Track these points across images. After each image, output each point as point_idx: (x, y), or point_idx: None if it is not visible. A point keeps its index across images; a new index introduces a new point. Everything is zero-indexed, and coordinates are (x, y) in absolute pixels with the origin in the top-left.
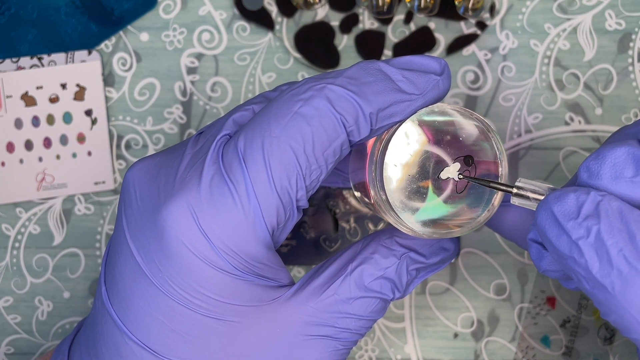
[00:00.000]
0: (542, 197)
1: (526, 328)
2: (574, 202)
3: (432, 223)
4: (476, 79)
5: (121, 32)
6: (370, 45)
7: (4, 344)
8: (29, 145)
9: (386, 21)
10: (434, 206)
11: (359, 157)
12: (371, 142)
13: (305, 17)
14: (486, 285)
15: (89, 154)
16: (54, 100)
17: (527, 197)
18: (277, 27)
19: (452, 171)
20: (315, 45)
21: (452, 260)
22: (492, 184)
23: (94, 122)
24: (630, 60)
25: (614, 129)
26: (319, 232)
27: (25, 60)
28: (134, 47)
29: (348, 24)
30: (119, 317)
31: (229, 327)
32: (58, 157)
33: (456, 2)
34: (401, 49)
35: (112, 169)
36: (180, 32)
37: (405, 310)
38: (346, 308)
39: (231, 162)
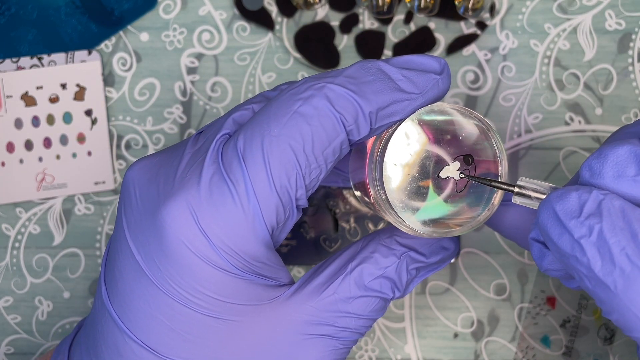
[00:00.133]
0: (543, 196)
1: (526, 328)
2: (576, 200)
3: (432, 222)
4: (476, 79)
5: (121, 32)
6: (370, 45)
7: (4, 344)
8: (29, 145)
9: (386, 21)
10: (434, 205)
11: (358, 156)
12: (371, 141)
13: (305, 17)
14: (486, 285)
15: (89, 154)
16: (54, 100)
17: (529, 196)
18: (277, 27)
19: (451, 170)
20: (315, 45)
21: (452, 260)
22: (494, 183)
23: (94, 122)
24: (630, 60)
25: (614, 129)
26: (319, 232)
27: (25, 60)
28: (134, 47)
29: (348, 24)
30: (119, 317)
31: (229, 326)
32: (58, 157)
33: (456, 2)
34: (401, 49)
35: (112, 169)
36: (180, 32)
37: (405, 310)
38: (346, 307)
39: (231, 162)
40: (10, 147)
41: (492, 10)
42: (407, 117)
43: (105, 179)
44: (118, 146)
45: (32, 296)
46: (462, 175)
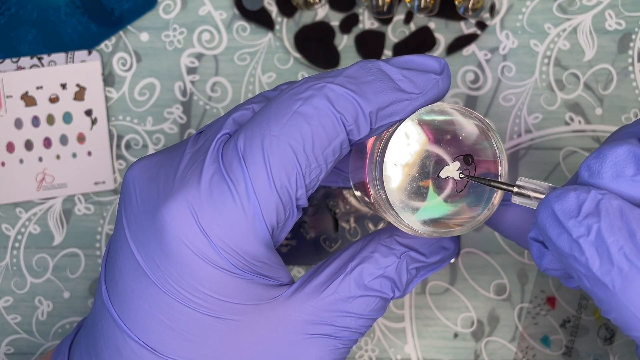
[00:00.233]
0: (542, 196)
1: (526, 328)
2: (575, 200)
3: (432, 222)
4: (476, 79)
5: (121, 32)
6: (370, 45)
7: (4, 344)
8: (29, 145)
9: (386, 21)
10: (434, 205)
11: (359, 156)
12: (371, 141)
13: (305, 17)
14: (486, 285)
15: (89, 154)
16: (54, 100)
17: (528, 196)
18: (277, 27)
19: (451, 170)
20: (315, 45)
21: (452, 260)
22: (493, 183)
23: (94, 122)
24: (630, 60)
25: (614, 129)
26: (319, 232)
27: (25, 60)
28: (134, 47)
29: (348, 24)
30: (119, 316)
31: (229, 325)
32: (58, 157)
33: (456, 2)
34: (401, 49)
35: (112, 169)
36: (180, 32)
37: (405, 310)
38: (346, 307)
39: (231, 161)
40: (10, 147)
41: (492, 10)
42: (407, 117)
43: (105, 179)
44: (118, 146)
45: (32, 296)
46: (462, 175)
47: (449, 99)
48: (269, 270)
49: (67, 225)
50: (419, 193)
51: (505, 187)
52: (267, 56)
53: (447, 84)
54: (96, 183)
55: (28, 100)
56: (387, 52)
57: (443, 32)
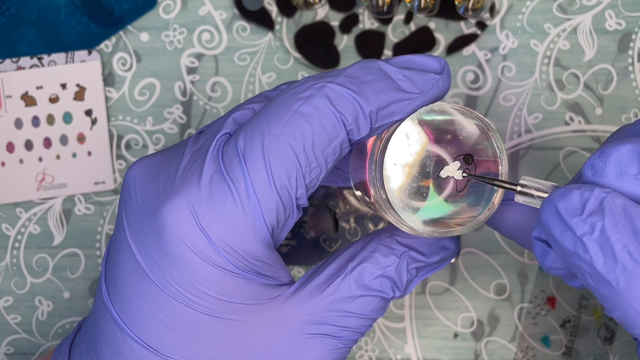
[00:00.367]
0: (546, 195)
1: (526, 328)
2: (578, 198)
3: (433, 222)
4: (476, 79)
5: (121, 32)
6: (370, 45)
7: (4, 344)
8: (29, 145)
9: (386, 21)
10: (435, 205)
11: (359, 156)
12: (371, 141)
13: (305, 17)
14: (486, 285)
15: (89, 154)
16: (54, 100)
17: (531, 195)
18: (277, 27)
19: (451, 170)
20: (315, 45)
21: (453, 260)
22: (496, 182)
23: (94, 122)
24: (630, 60)
25: (614, 129)
26: (319, 232)
27: (25, 60)
28: (134, 47)
29: (348, 24)
30: (119, 316)
31: (229, 325)
32: (58, 157)
33: (456, 2)
34: (401, 49)
35: (112, 169)
36: (180, 32)
37: (405, 310)
38: (346, 306)
39: (231, 161)
40: (10, 147)
41: (492, 10)
42: (407, 116)
43: (105, 179)
44: (118, 146)
45: (32, 296)
46: (465, 175)
47: (449, 99)
48: (269, 270)
49: (67, 225)
50: (419, 193)
51: (508, 186)
52: (267, 56)
53: (447, 83)
54: (96, 183)
55: (28, 100)
56: (387, 52)
57: (443, 32)
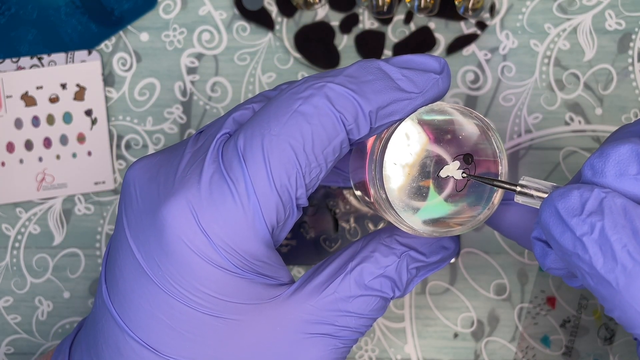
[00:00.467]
0: (545, 195)
1: (526, 328)
2: (578, 199)
3: (433, 221)
4: (476, 79)
5: (121, 32)
6: (370, 45)
7: (4, 344)
8: (29, 145)
9: (386, 21)
10: (435, 205)
11: (359, 155)
12: (371, 140)
13: (305, 17)
14: (486, 285)
15: (89, 154)
16: (54, 100)
17: (531, 195)
18: (277, 27)
19: (451, 169)
20: (315, 45)
21: (452, 260)
22: (496, 182)
23: (94, 122)
24: (630, 60)
25: (614, 129)
26: (319, 232)
27: (25, 60)
28: (134, 47)
29: (348, 24)
30: (119, 316)
31: (229, 325)
32: (58, 157)
33: (456, 2)
34: (401, 49)
35: (112, 169)
36: (180, 32)
37: (405, 310)
38: (346, 306)
39: (231, 161)
40: (10, 147)
41: (492, 10)
42: (407, 116)
43: (105, 179)
44: (118, 146)
45: (32, 296)
46: (465, 175)
47: (449, 99)
48: (269, 269)
49: (67, 225)
50: (419, 192)
51: (508, 186)
52: (267, 56)
53: (447, 83)
54: (96, 183)
55: (28, 100)
56: (387, 52)
57: (443, 32)
